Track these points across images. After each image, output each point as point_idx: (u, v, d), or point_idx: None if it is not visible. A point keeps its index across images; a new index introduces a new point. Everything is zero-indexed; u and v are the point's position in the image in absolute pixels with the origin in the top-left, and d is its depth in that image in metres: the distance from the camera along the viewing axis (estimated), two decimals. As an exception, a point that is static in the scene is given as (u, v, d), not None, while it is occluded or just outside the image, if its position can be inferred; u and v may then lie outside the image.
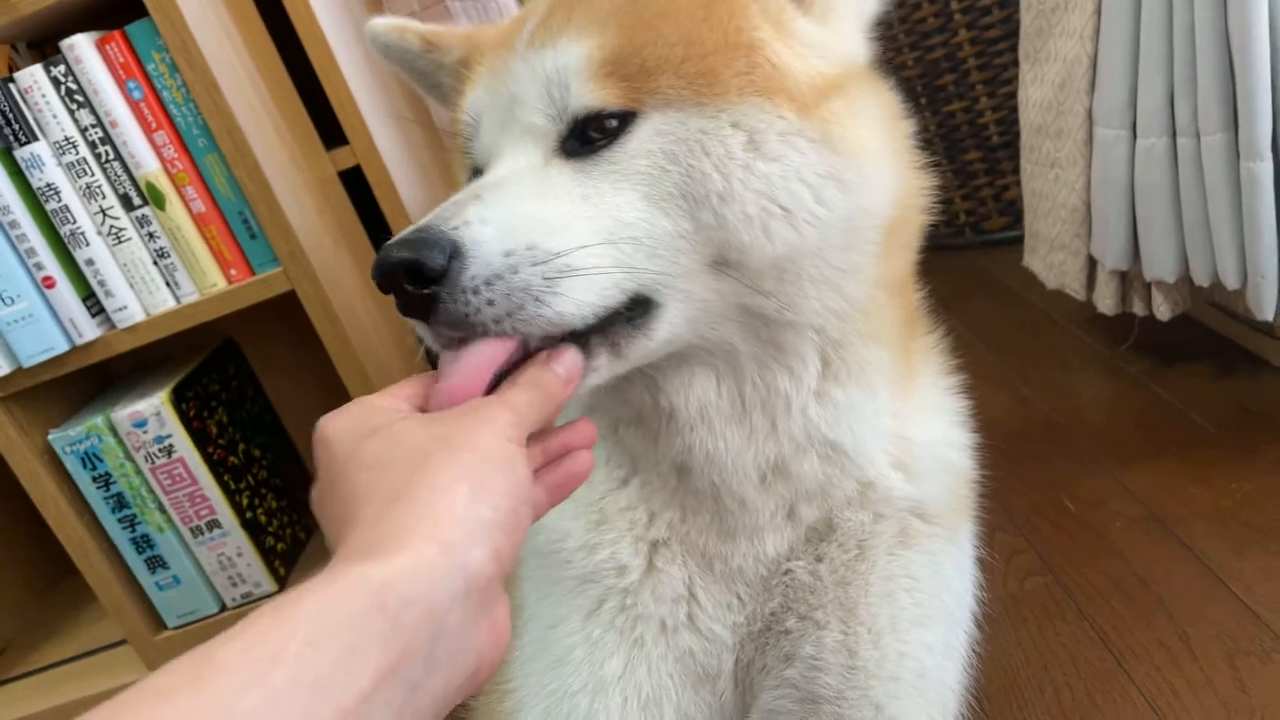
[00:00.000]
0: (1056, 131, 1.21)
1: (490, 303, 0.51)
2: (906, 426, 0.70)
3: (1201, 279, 1.07)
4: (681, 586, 0.70)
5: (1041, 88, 1.23)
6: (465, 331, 0.52)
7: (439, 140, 1.79)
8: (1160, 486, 1.09)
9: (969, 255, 1.90)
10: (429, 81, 0.78)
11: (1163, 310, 1.17)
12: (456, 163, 0.70)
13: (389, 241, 0.52)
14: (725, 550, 0.69)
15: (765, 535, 0.69)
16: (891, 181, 0.62)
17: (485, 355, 0.52)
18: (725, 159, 0.56)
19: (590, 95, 0.57)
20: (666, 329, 0.58)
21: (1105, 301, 1.22)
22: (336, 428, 0.50)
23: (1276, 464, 1.06)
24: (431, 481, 0.45)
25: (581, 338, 0.55)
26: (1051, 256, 1.29)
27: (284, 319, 1.46)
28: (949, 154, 1.84)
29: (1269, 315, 1.02)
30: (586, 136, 0.57)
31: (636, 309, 0.57)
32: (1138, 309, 1.21)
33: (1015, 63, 1.72)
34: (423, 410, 0.51)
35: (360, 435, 0.48)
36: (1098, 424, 1.26)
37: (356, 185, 1.39)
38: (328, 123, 1.36)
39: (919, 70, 1.81)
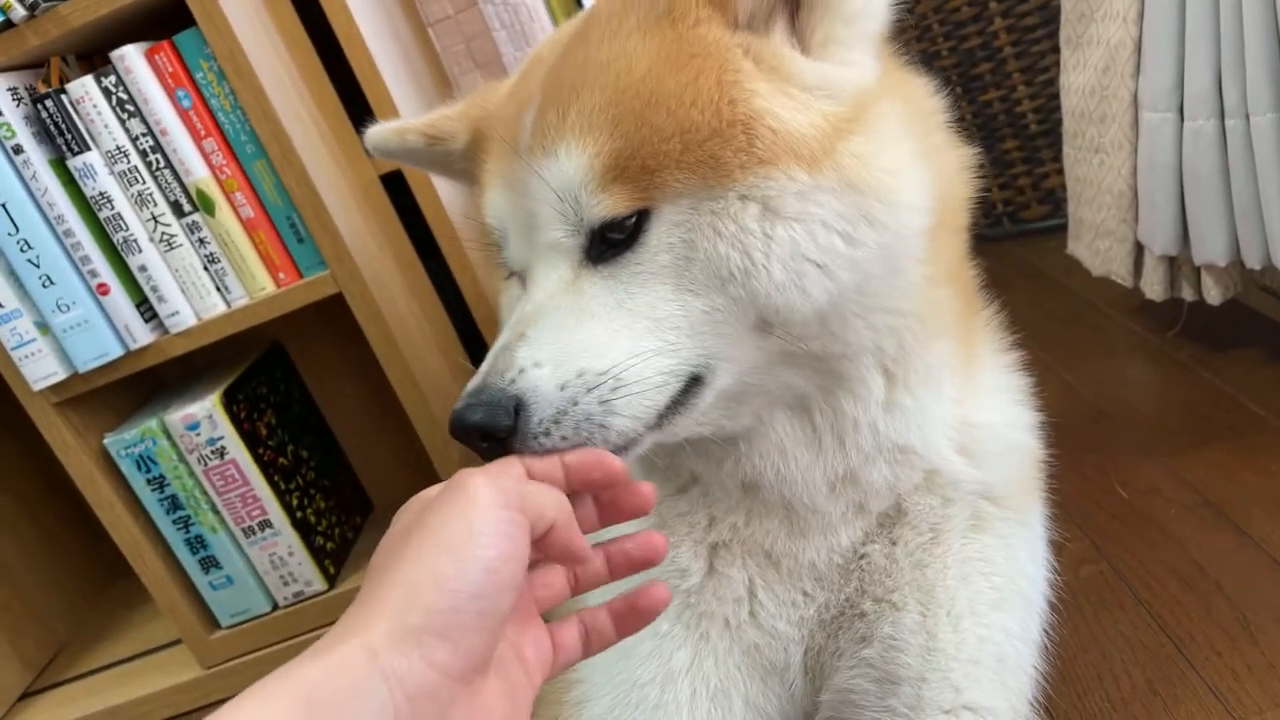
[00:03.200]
0: (1100, 117, 1.20)
1: (563, 439, 0.55)
2: (969, 410, 0.71)
3: (1254, 262, 1.06)
4: (742, 589, 0.71)
5: (1084, 73, 1.22)
6: None
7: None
8: (1214, 473, 1.08)
9: (1007, 245, 1.88)
10: (444, 169, 0.80)
11: (1214, 295, 1.15)
12: (488, 259, 0.71)
13: (459, 403, 0.56)
14: (795, 548, 0.70)
15: (839, 529, 0.70)
16: (926, 187, 0.61)
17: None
18: (740, 235, 0.56)
19: (601, 205, 0.57)
20: (711, 395, 0.60)
21: (1153, 287, 1.21)
22: (408, 503, 0.52)
23: (1334, 448, 1.05)
24: (392, 575, 0.46)
25: None
26: (1097, 243, 1.28)
27: (329, 322, 1.48)
28: (986, 143, 1.83)
29: (1324, 297, 1.00)
30: (608, 240, 0.58)
31: (692, 385, 0.60)
32: (1187, 294, 1.20)
33: (1053, 50, 1.71)
34: None
35: (409, 507, 0.51)
36: (1147, 411, 1.24)
37: (397, 188, 1.41)
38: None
39: (954, 60, 1.80)
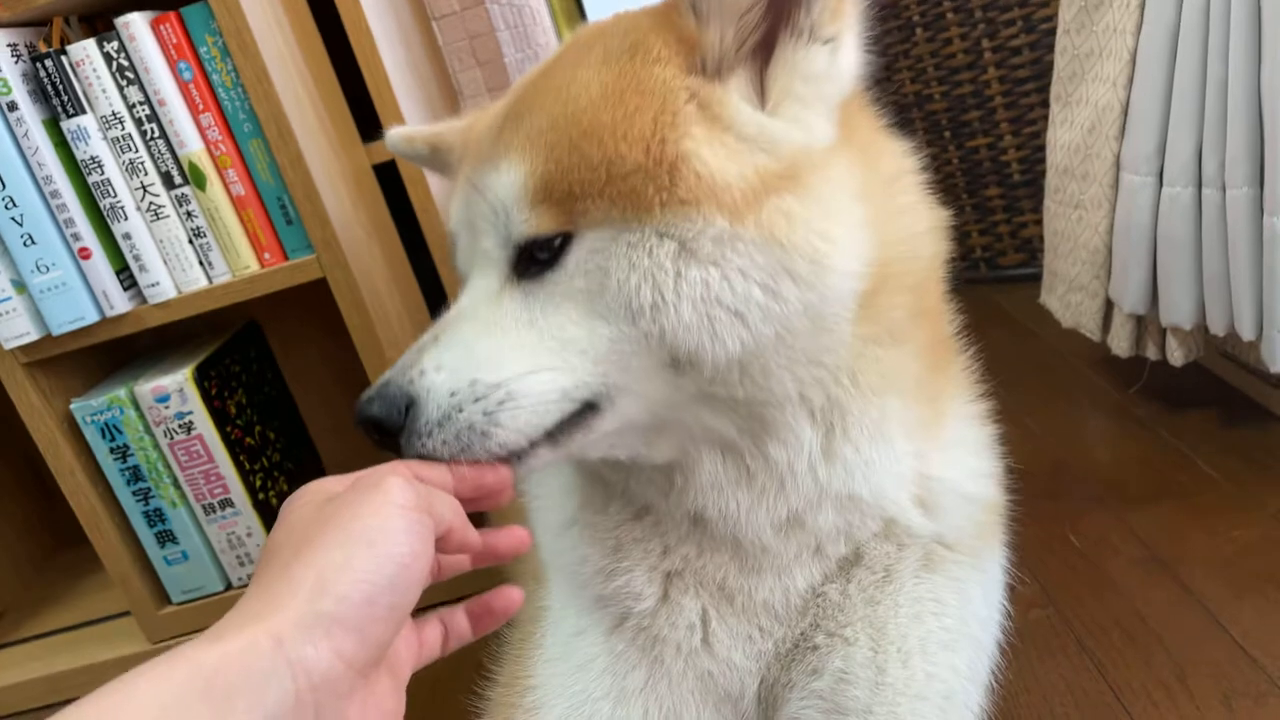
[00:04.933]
0: (1083, 174, 1.24)
1: (444, 442, 0.58)
2: (930, 465, 0.71)
3: (1218, 328, 1.09)
4: (695, 617, 0.72)
5: (1071, 130, 1.26)
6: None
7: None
8: (1163, 529, 1.11)
9: (983, 289, 1.92)
10: (449, 174, 0.82)
11: (1176, 356, 1.19)
12: (450, 263, 0.74)
13: (365, 393, 0.59)
14: (748, 584, 0.70)
15: (794, 571, 0.70)
16: (865, 253, 0.61)
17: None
18: (653, 270, 0.57)
19: (527, 224, 0.59)
20: (611, 422, 0.61)
21: (1120, 344, 1.25)
22: (290, 497, 0.54)
23: (1277, 515, 1.08)
24: (303, 561, 0.46)
25: None
26: (1069, 296, 1.31)
27: (307, 306, 1.48)
28: (970, 189, 1.87)
29: (1281, 368, 1.04)
30: (534, 257, 0.60)
31: (587, 411, 0.61)
32: (1151, 353, 1.24)
33: (1042, 104, 1.75)
34: None
35: (293, 504, 0.53)
36: (1104, 463, 1.28)
37: (389, 180, 1.42)
38: (362, 115, 1.38)
39: (946, 104, 1.83)
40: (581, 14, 3.45)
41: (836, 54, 0.61)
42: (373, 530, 0.47)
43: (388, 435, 0.58)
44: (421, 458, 0.58)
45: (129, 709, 0.40)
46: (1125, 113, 1.15)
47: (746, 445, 0.65)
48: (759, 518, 0.67)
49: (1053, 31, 1.68)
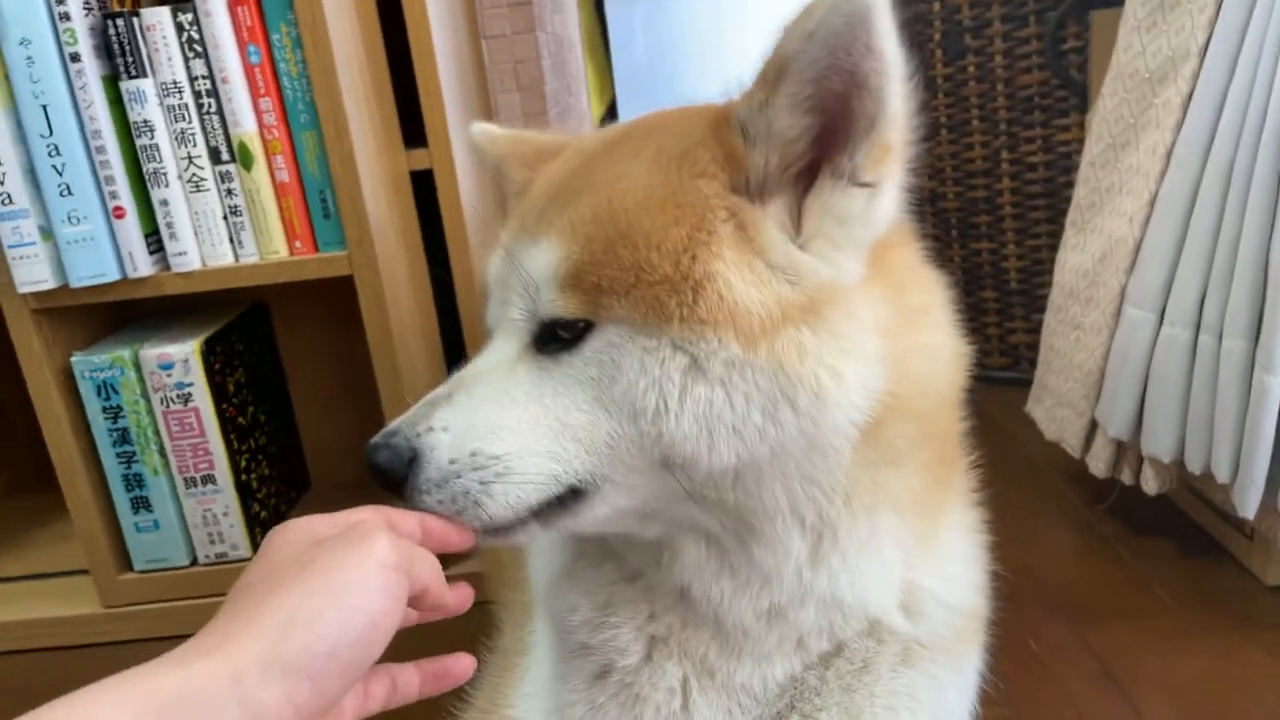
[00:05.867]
0: (1087, 299, 1.30)
1: (440, 502, 0.61)
2: (917, 573, 0.73)
3: (1195, 466, 1.15)
4: (675, 682, 0.73)
5: (1082, 256, 1.32)
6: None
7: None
8: (1118, 647, 1.16)
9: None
10: (504, 185, 0.86)
11: (1151, 485, 1.25)
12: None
13: (375, 438, 0.62)
14: (728, 665, 0.72)
15: (774, 660, 0.72)
16: (873, 387, 0.61)
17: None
18: (662, 379, 0.59)
19: (554, 304, 0.61)
20: (600, 511, 0.64)
21: (1098, 464, 1.30)
22: (275, 529, 0.56)
23: (1225, 649, 1.14)
24: (276, 600, 0.48)
25: None
26: (1056, 410, 1.37)
27: (316, 297, 1.49)
28: (966, 288, 1.94)
29: (1250, 514, 1.10)
30: (556, 335, 0.62)
31: (572, 496, 0.63)
32: (1126, 477, 1.29)
33: (1048, 220, 1.83)
34: None
35: (278, 540, 0.54)
36: (1066, 575, 1.33)
37: (423, 189, 1.44)
38: (406, 122, 1.40)
39: (957, 204, 1.91)
40: (606, 49, 3.51)
41: (875, 199, 0.61)
42: (349, 583, 0.49)
43: (392, 484, 0.61)
44: (417, 509, 0.61)
45: None
46: (1137, 249, 1.22)
47: (731, 544, 0.66)
48: (741, 605, 0.68)
49: (1069, 155, 1.77)
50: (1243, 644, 1.14)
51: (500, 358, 0.64)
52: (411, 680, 0.61)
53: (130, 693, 0.43)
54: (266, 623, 0.46)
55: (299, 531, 0.55)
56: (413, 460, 0.60)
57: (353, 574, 0.49)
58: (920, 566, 0.73)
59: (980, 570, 0.80)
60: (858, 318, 0.62)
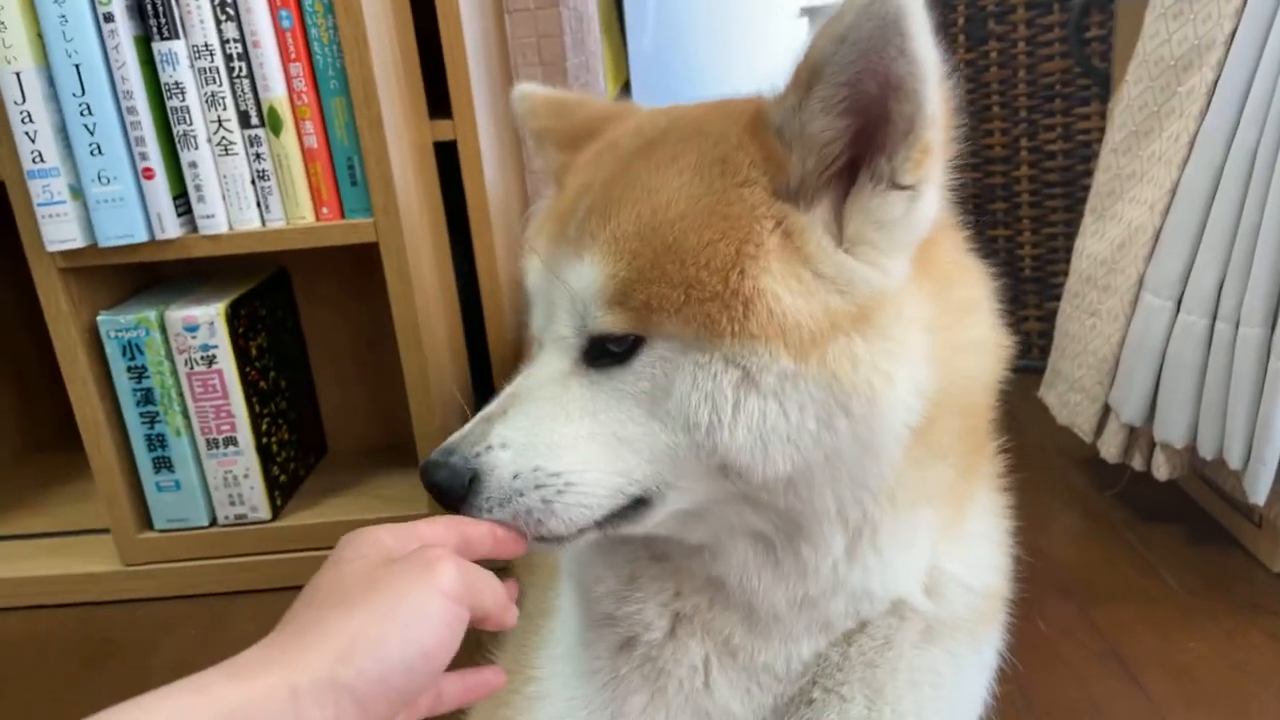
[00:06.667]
0: (1105, 286, 1.31)
1: (501, 520, 0.62)
2: (942, 558, 0.75)
3: (1207, 452, 1.17)
4: (698, 660, 0.74)
5: (1101, 243, 1.33)
6: None
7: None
8: (1123, 628, 1.18)
9: (974, 371, 1.99)
10: (538, 148, 0.85)
11: (1162, 470, 1.26)
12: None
13: (431, 456, 0.63)
14: (754, 646, 0.73)
15: (800, 640, 0.73)
16: (925, 387, 0.62)
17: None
18: (714, 393, 0.59)
19: (603, 320, 0.61)
20: (660, 516, 0.65)
21: (1109, 449, 1.32)
22: (346, 538, 0.57)
23: (1230, 634, 1.15)
24: (339, 620, 0.49)
25: None
26: (1069, 395, 1.39)
27: (338, 265, 1.51)
28: (981, 274, 1.95)
29: (1260, 499, 1.11)
30: (605, 349, 0.62)
31: (635, 505, 0.64)
32: (1137, 463, 1.31)
33: (1065, 209, 1.84)
34: None
35: (349, 552, 0.56)
36: (1074, 558, 1.34)
37: (446, 161, 1.45)
38: (431, 93, 1.41)
39: (975, 191, 1.91)
40: (621, 29, 3.50)
41: (915, 202, 0.60)
42: (411, 612, 0.50)
43: (450, 504, 0.62)
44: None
45: None
46: (1156, 237, 1.23)
47: (780, 540, 0.67)
48: (776, 595, 0.70)
49: (1089, 143, 1.77)
50: (1248, 629, 1.15)
51: (551, 372, 0.64)
52: (455, 691, 0.61)
53: (189, 703, 0.44)
54: (328, 644, 0.48)
55: (370, 544, 0.56)
56: (472, 480, 0.61)
57: (415, 603, 0.51)
58: (945, 552, 0.75)
59: (1003, 553, 0.81)
60: (906, 319, 0.61)
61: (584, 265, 0.62)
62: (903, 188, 0.60)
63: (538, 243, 0.68)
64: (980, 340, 0.68)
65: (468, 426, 0.64)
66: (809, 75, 0.58)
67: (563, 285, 0.63)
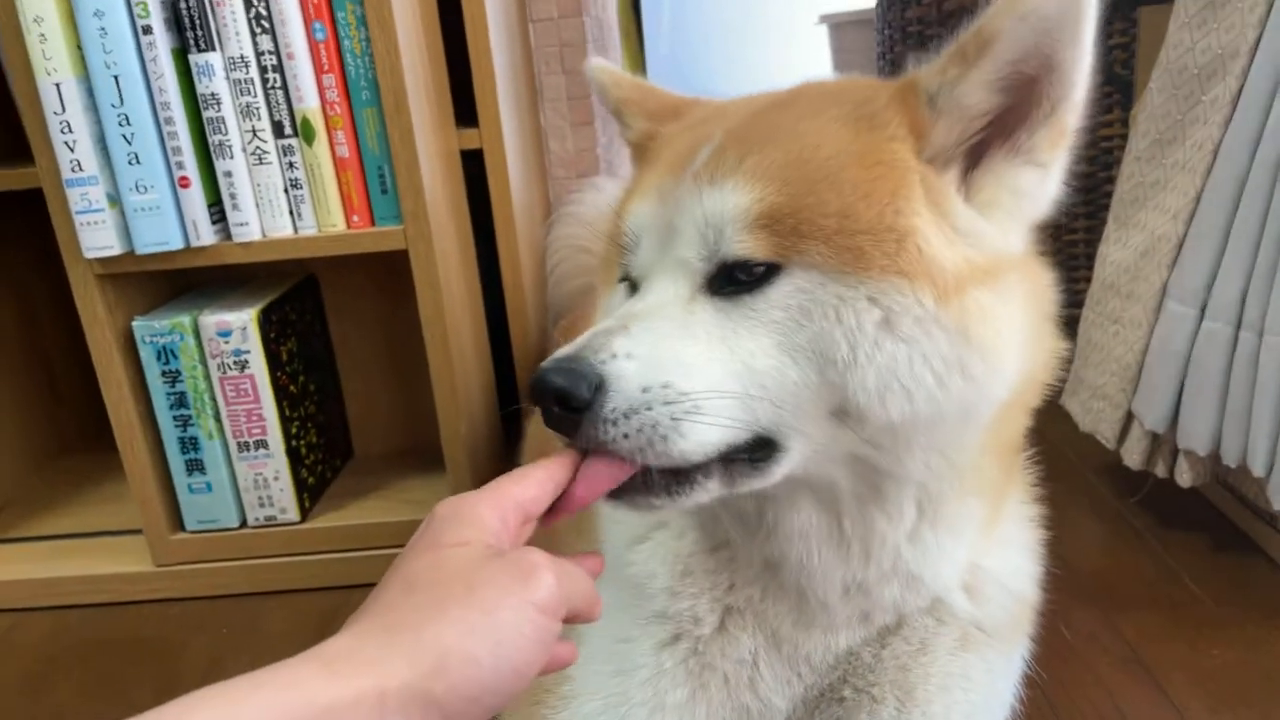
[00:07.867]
0: (1128, 294, 1.31)
1: (625, 435, 0.57)
2: (981, 556, 0.77)
3: (1231, 460, 1.17)
4: (747, 654, 0.76)
5: (1124, 250, 1.34)
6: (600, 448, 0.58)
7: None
8: (1147, 635, 1.18)
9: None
10: (620, 121, 0.85)
11: (1185, 478, 1.26)
12: (608, 259, 0.74)
13: (546, 364, 0.58)
14: (797, 637, 0.75)
15: (839, 631, 0.75)
16: (1018, 369, 0.64)
17: (608, 473, 0.59)
18: (855, 330, 0.59)
19: (741, 245, 0.60)
20: (785, 469, 0.63)
21: (1133, 456, 1.32)
22: (445, 513, 0.54)
23: (1255, 641, 1.15)
24: (437, 628, 0.47)
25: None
26: (1092, 402, 1.39)
27: (367, 272, 1.53)
28: (1001, 281, 1.95)
29: (1284, 507, 1.12)
30: (733, 277, 0.61)
31: (759, 448, 0.62)
32: (1160, 470, 1.31)
33: (1086, 215, 1.84)
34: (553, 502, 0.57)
35: (450, 534, 0.53)
36: (1098, 565, 1.35)
37: (472, 167, 1.47)
38: (457, 102, 1.43)
39: (995, 198, 1.92)
40: (640, 37, 3.51)
41: (1045, 179, 0.63)
42: (505, 630, 0.49)
43: (571, 410, 0.57)
44: (594, 443, 0.57)
45: None
46: (1180, 245, 1.23)
47: (850, 509, 0.68)
48: (834, 576, 0.71)
49: (1110, 150, 1.77)
50: (1272, 635, 1.16)
51: (669, 297, 0.62)
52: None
53: (278, 697, 0.43)
54: (424, 651, 0.47)
55: (471, 525, 0.53)
56: (598, 388, 0.57)
57: (510, 623, 0.49)
58: (984, 549, 0.77)
59: (1037, 562, 0.84)
60: (1020, 289, 0.64)
61: (724, 191, 0.61)
62: (1038, 165, 0.63)
63: (644, 189, 0.68)
64: (1048, 335, 0.70)
65: (583, 337, 0.60)
66: (978, 48, 0.59)
67: (694, 209, 0.62)
